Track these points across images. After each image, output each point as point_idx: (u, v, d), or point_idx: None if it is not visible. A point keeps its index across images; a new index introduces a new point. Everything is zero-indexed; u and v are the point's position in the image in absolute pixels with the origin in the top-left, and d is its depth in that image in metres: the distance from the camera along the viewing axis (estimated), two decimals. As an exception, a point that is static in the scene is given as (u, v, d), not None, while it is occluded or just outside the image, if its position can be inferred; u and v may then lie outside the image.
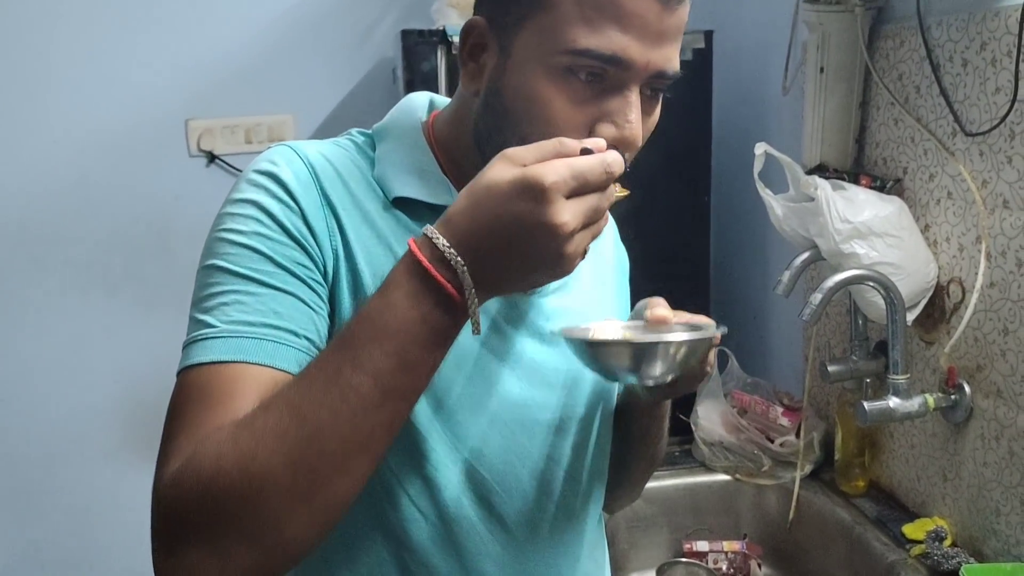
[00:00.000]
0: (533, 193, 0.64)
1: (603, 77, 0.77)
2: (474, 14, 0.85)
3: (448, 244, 0.66)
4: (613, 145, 0.77)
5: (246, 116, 2.14)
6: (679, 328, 0.86)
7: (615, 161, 0.68)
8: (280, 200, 0.79)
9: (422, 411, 0.84)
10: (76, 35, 2.02)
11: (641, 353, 0.79)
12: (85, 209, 2.10)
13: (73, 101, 2.04)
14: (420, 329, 0.67)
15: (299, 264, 0.78)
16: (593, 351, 0.81)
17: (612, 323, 0.89)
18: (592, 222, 0.68)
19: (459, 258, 0.66)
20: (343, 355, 0.67)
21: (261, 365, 0.72)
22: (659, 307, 0.86)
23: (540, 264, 0.68)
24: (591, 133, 0.78)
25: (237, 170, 2.10)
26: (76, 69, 2.03)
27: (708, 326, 0.86)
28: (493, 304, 0.88)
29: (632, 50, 0.75)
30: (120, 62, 2.05)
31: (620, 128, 0.78)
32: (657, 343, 0.78)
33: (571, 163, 0.66)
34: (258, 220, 0.78)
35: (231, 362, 0.71)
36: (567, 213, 0.65)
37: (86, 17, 2.02)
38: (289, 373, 0.73)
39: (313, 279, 0.79)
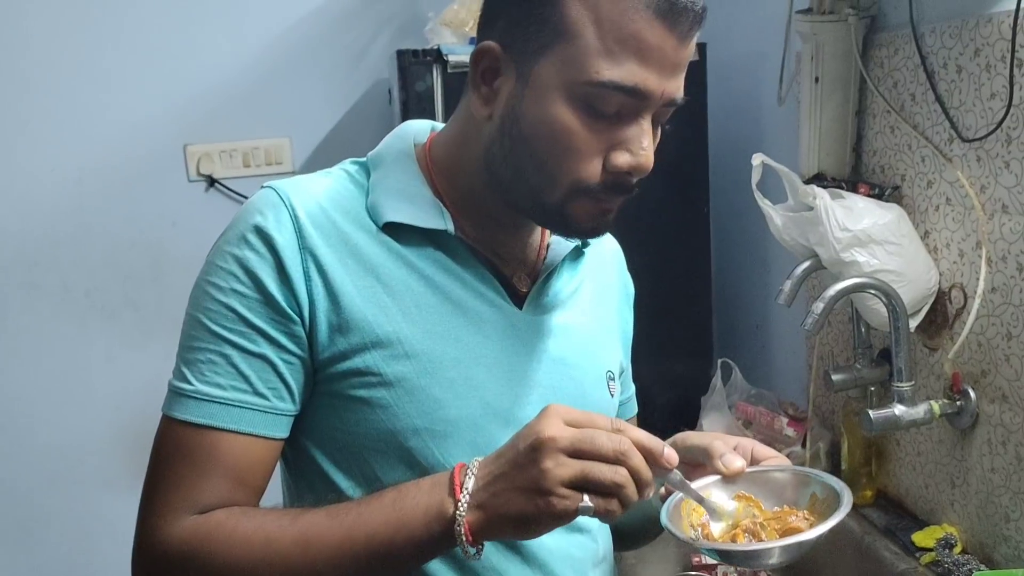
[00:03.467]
0: (535, 442, 0.72)
1: (622, 106, 0.80)
2: (480, 38, 0.86)
3: (469, 493, 0.75)
4: (628, 172, 0.83)
5: (243, 140, 2.14)
6: (760, 477, 0.84)
7: (630, 454, 0.72)
8: (259, 254, 0.84)
9: (428, 432, 0.85)
10: (73, 63, 2.03)
11: (778, 553, 0.77)
12: (83, 235, 2.10)
13: (71, 128, 2.05)
14: (419, 521, 0.76)
15: (271, 319, 0.83)
16: (729, 558, 0.80)
17: (697, 484, 0.83)
18: (591, 487, 0.72)
19: (464, 507, 0.74)
20: (352, 510, 0.79)
21: (230, 431, 0.82)
22: (729, 457, 0.85)
23: (527, 493, 0.72)
24: (606, 160, 0.82)
25: (236, 194, 2.10)
26: (74, 96, 2.04)
27: (787, 469, 0.85)
28: (495, 323, 0.90)
29: (651, 82, 0.80)
30: (118, 89, 2.06)
31: (635, 155, 0.82)
32: (801, 542, 0.76)
33: (585, 430, 0.73)
34: (237, 277, 0.84)
35: (204, 427, 0.82)
36: (553, 462, 0.71)
37: (83, 45, 2.03)
38: (255, 436, 0.83)
39: (284, 332, 0.84)
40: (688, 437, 0.90)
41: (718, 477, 0.84)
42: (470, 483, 0.74)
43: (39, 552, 2.17)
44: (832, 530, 0.76)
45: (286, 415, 0.85)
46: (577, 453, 0.71)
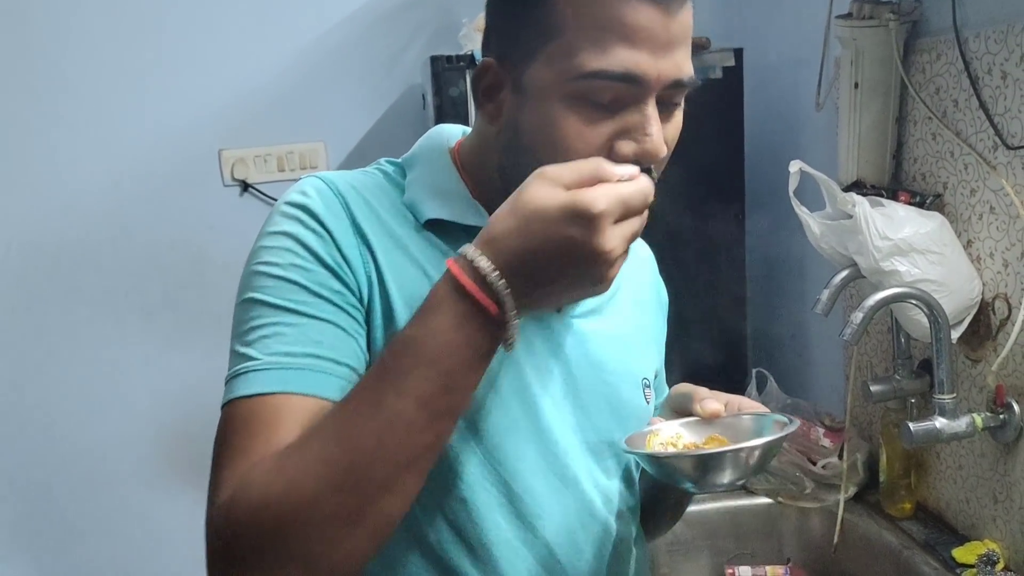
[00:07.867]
0: (584, 220, 0.67)
1: (618, 95, 0.77)
2: (482, 56, 0.85)
3: (493, 267, 0.69)
4: (637, 160, 0.78)
5: (278, 145, 2.16)
6: (735, 422, 0.86)
7: (649, 188, 0.72)
8: (313, 230, 0.81)
9: (457, 432, 0.84)
10: (109, 70, 2.05)
11: (709, 463, 0.79)
12: (122, 238, 2.12)
13: (108, 134, 2.07)
14: (463, 352, 0.70)
15: (336, 291, 0.80)
16: (659, 465, 0.81)
17: (668, 424, 0.89)
18: (631, 244, 0.71)
19: (502, 282, 0.68)
20: (385, 383, 0.69)
21: (304, 395, 0.74)
22: (708, 400, 0.88)
23: (582, 285, 0.71)
24: (611, 150, 0.78)
25: (270, 198, 2.12)
26: (110, 102, 2.06)
27: (767, 416, 0.86)
28: (526, 327, 0.88)
29: (643, 64, 0.76)
30: (153, 94, 2.08)
31: (641, 143, 0.78)
32: (726, 452, 0.78)
33: (618, 190, 0.69)
34: (293, 252, 0.80)
35: (275, 393, 0.74)
36: (615, 239, 0.68)
37: (119, 52, 2.05)
38: (332, 401, 0.75)
39: (350, 304, 0.80)
40: (681, 387, 0.94)
41: (696, 418, 0.89)
42: (507, 303, 0.69)
43: (79, 553, 2.18)
44: (769, 448, 0.79)
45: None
46: (619, 219, 0.69)
